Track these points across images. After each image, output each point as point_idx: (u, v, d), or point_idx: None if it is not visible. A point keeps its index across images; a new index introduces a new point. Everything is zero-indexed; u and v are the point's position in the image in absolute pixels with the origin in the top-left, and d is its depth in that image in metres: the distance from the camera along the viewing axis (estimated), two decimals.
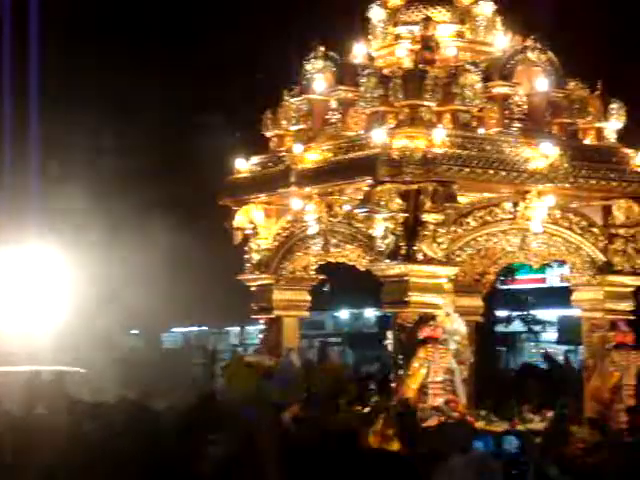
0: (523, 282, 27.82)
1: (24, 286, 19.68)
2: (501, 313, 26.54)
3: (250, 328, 34.45)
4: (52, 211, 19.76)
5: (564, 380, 11.75)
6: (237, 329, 37.47)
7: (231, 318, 32.91)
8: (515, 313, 27.38)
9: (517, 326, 28.38)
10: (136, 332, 28.65)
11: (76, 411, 8.77)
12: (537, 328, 28.71)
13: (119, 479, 5.48)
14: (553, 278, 28.60)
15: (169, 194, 20.34)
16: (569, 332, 27.80)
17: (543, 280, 29.71)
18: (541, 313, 28.60)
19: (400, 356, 9.05)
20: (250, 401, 8.00)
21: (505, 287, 23.87)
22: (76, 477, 5.57)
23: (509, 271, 20.95)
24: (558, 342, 30.78)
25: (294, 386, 8.59)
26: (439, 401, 8.94)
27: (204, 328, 37.80)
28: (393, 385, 9.15)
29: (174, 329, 35.63)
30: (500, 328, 27.15)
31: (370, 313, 33.12)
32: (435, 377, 8.93)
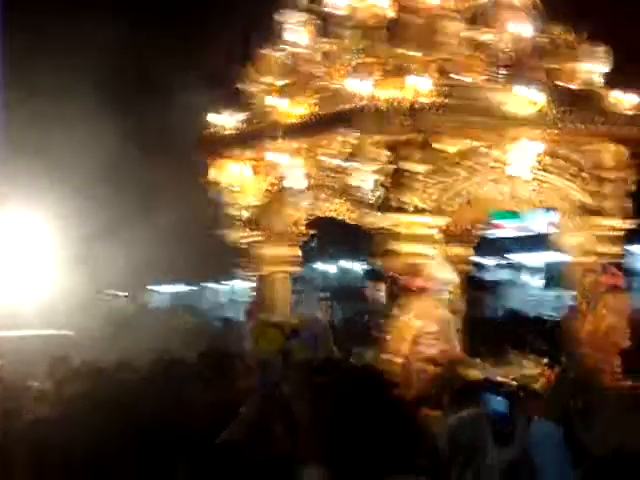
0: (510, 229, 27.94)
1: (5, 252, 19.59)
2: (489, 261, 26.71)
3: (239, 285, 34.52)
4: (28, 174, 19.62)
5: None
6: (226, 287, 37.54)
7: (220, 276, 32.97)
8: (503, 261, 27.56)
9: (505, 273, 28.56)
10: (123, 294, 28.61)
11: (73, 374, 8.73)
12: (525, 275, 28.90)
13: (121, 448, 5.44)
14: (540, 224, 28.78)
15: (148, 152, 20.22)
16: (556, 278, 28.03)
17: (530, 227, 29.85)
18: (528, 260, 28.74)
19: (393, 308, 9.03)
20: (279, 361, 8.01)
21: (493, 235, 23.98)
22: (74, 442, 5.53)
23: (497, 219, 21.03)
24: (545, 288, 31.02)
25: (322, 342, 8.58)
26: (433, 352, 8.95)
27: (193, 287, 37.86)
28: (387, 337, 9.13)
29: (162, 288, 35.68)
30: (488, 276, 27.32)
31: (358, 267, 33.21)
32: (429, 328, 8.92)
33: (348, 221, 9.90)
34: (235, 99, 10.36)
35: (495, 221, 23.71)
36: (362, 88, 8.87)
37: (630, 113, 9.59)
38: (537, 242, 28.28)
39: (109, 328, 18.47)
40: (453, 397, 6.77)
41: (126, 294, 27.56)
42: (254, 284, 10.64)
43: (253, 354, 8.62)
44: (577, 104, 9.43)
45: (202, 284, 37.09)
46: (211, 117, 10.28)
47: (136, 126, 20.46)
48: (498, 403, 5.10)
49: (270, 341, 9.18)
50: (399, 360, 8.84)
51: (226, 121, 10.22)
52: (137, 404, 5.49)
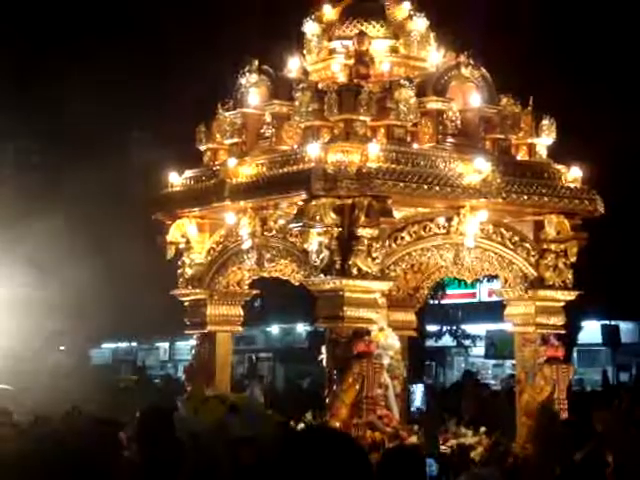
0: (453, 297, 28.07)
1: None
2: (431, 327, 26.76)
3: (180, 344, 34.27)
4: None
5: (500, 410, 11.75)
6: (166, 345, 37.23)
7: (160, 334, 32.72)
8: (445, 328, 27.63)
9: (447, 341, 28.62)
10: (63, 348, 28.28)
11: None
12: (467, 343, 28.98)
13: None
14: (483, 293, 28.96)
15: (98, 208, 20.08)
16: (496, 347, 28.21)
17: (473, 295, 30.01)
18: (471, 328, 28.86)
19: (334, 371, 9.01)
20: (217, 435, 7.93)
21: (436, 302, 24.06)
22: None
23: (440, 286, 21.12)
24: (486, 356, 31.14)
25: (260, 420, 8.53)
26: (372, 416, 8.93)
27: (133, 344, 37.49)
28: (327, 400, 9.11)
29: (103, 345, 35.30)
30: (430, 342, 27.36)
31: (301, 328, 33.14)
32: (369, 392, 8.90)
33: (293, 282, 9.90)
34: (196, 159, 10.39)
35: (442, 289, 23.88)
36: (310, 151, 8.93)
37: (573, 186, 9.74)
38: (480, 310, 28.44)
39: (49, 383, 18.23)
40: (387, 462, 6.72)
41: (63, 348, 27.22)
42: (195, 342, 10.55)
43: (190, 422, 8.53)
44: (522, 175, 9.56)
45: (143, 341, 36.75)
46: (163, 176, 10.29)
47: (86, 184, 20.41)
48: (429, 467, 5.07)
49: (210, 412, 9.08)
50: (338, 424, 8.79)
51: (175, 179, 10.22)
52: (67, 462, 5.39)
